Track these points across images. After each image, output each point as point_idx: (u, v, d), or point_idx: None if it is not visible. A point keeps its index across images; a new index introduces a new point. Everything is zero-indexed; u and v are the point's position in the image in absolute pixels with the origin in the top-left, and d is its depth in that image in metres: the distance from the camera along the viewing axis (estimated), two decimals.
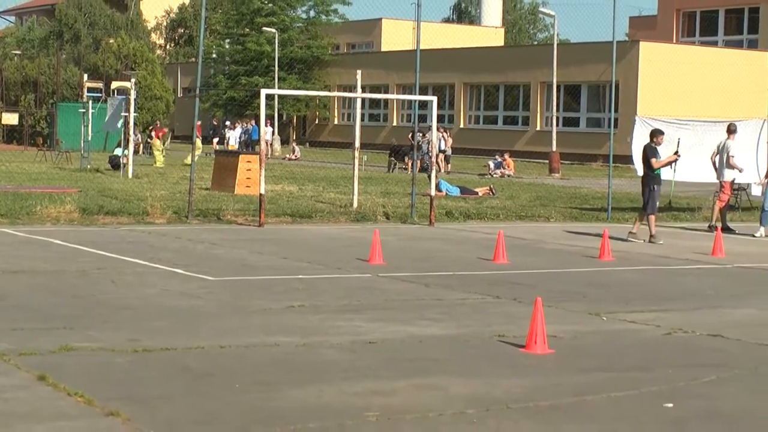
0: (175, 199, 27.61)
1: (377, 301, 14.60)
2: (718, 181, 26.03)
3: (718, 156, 25.88)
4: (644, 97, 58.82)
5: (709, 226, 25.34)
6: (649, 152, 23.20)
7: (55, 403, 8.88)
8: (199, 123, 57.14)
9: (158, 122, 58.38)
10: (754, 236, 24.63)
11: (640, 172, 24.19)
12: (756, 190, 27.55)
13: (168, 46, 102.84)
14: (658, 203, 23.62)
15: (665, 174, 29.22)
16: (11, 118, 64.62)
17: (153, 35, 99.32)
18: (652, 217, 23.10)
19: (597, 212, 29.32)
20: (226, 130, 63.53)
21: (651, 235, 22.88)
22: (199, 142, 50.96)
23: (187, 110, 64.21)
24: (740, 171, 25.85)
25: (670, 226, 27.16)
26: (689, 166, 28.77)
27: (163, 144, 60.58)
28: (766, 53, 62.29)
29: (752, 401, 9.77)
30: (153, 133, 52.06)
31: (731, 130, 26.01)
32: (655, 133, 23.71)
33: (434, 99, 27.92)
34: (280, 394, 9.41)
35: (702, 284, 17.42)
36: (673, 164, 25.71)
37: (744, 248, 22.53)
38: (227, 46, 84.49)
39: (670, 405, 9.43)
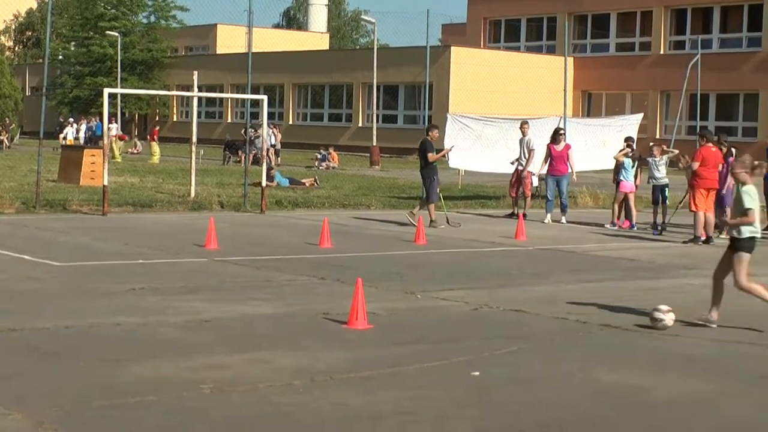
0: (23, 190, 26.98)
1: (212, 283, 14.51)
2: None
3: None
4: (455, 96, 59.47)
5: (517, 214, 25.52)
6: (427, 146, 23.19)
7: None
8: (156, 128, 56.22)
9: (157, 125, 57.19)
10: (543, 222, 24.93)
11: (455, 163, 24.20)
12: (535, 181, 27.91)
13: (17, 48, 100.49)
14: (438, 192, 23.66)
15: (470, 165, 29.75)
16: None
17: (2, 37, 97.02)
18: (432, 206, 23.22)
19: (413, 200, 29.48)
20: (68, 126, 62.17)
21: (431, 221, 22.85)
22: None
23: (35, 108, 62.83)
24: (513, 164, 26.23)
25: (476, 213, 27.56)
26: (494, 159, 29.15)
27: (11, 141, 59.24)
28: (562, 58, 63.46)
29: (549, 368, 9.98)
30: (152, 134, 50.71)
31: (521, 127, 26.46)
32: (430, 128, 23.68)
33: (265, 98, 27.84)
34: (121, 370, 9.30)
35: (506, 264, 17.71)
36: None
37: (543, 232, 22.94)
38: (73, 49, 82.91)
39: (477, 373, 9.59)
